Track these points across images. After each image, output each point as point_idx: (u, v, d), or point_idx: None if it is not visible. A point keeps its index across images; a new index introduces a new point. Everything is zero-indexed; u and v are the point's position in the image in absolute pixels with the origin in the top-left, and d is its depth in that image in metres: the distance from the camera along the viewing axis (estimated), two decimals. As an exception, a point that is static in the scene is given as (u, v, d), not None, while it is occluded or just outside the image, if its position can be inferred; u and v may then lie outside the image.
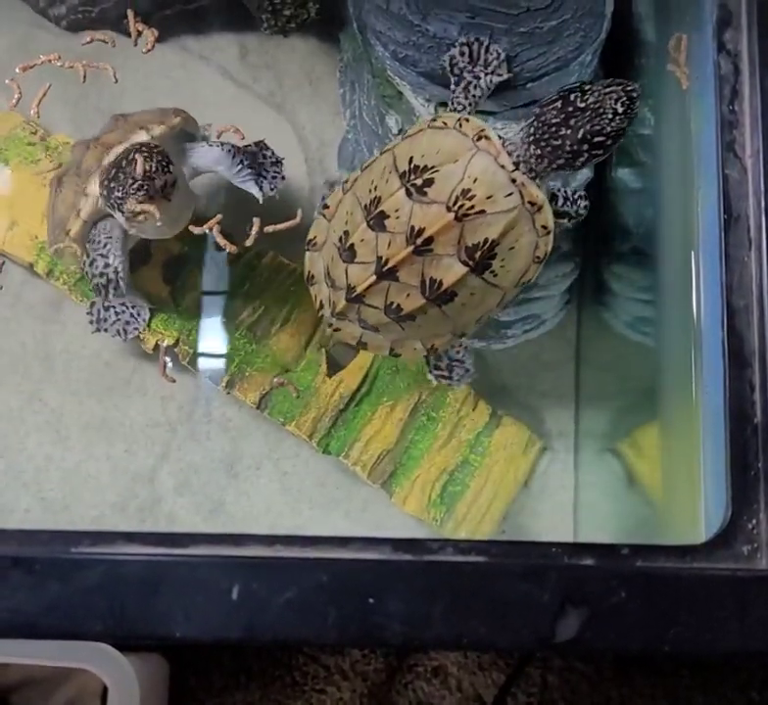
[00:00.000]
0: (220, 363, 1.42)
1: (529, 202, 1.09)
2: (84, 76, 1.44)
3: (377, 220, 1.15)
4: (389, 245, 1.15)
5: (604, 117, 1.06)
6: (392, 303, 1.18)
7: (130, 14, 1.44)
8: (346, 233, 1.19)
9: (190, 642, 0.89)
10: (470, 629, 0.90)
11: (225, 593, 0.91)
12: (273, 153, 1.33)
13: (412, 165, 1.13)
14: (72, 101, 1.52)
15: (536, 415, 1.53)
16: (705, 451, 1.04)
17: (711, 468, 1.02)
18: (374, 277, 1.16)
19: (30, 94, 1.49)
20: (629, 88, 1.06)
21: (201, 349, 1.42)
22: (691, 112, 1.10)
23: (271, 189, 1.32)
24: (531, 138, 1.09)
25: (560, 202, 1.17)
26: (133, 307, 1.38)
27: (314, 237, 1.27)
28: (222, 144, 1.28)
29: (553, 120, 1.08)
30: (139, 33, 1.50)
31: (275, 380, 1.42)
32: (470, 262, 1.12)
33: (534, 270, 1.15)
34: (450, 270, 1.13)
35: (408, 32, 1.25)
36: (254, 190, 1.31)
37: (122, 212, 1.18)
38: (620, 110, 1.05)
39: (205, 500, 1.47)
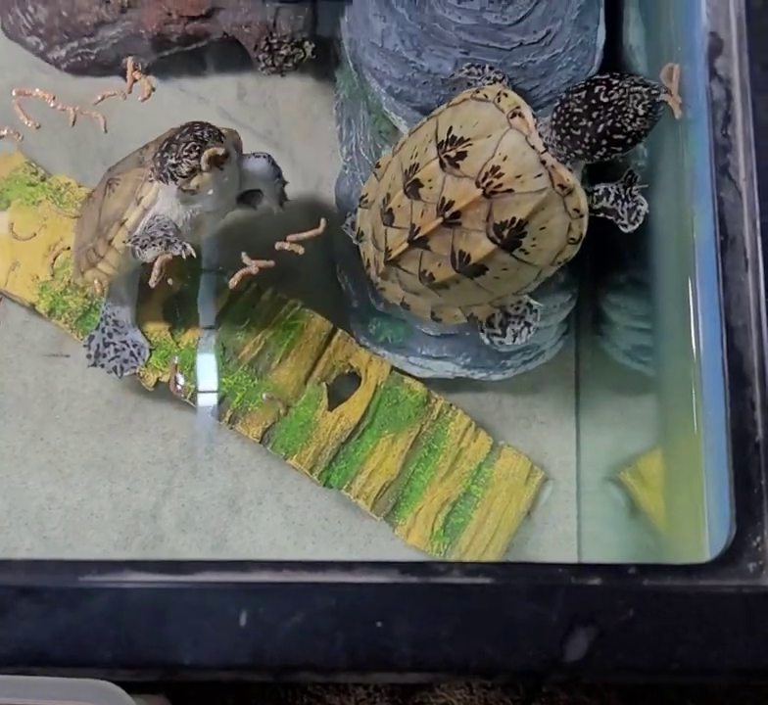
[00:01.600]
0: (222, 399, 1.42)
1: (559, 185, 1.10)
2: (74, 121, 1.45)
3: (413, 188, 1.17)
4: (422, 214, 1.16)
5: (626, 116, 1.06)
6: (425, 270, 1.20)
7: (129, 62, 1.46)
8: (387, 196, 1.22)
9: (199, 669, 0.89)
10: (478, 650, 0.90)
11: (233, 619, 0.90)
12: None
13: (450, 136, 1.14)
14: (73, 142, 1.53)
15: (537, 445, 1.53)
16: (708, 472, 1.04)
17: (714, 488, 1.02)
18: (407, 244, 1.18)
19: (31, 136, 1.51)
20: (654, 92, 1.07)
21: (202, 385, 1.43)
22: (684, 138, 1.12)
23: (282, 206, 1.34)
24: (554, 122, 1.10)
25: (611, 199, 1.17)
26: (134, 346, 1.39)
27: (367, 194, 1.29)
28: (267, 155, 1.30)
29: (576, 110, 1.09)
30: (135, 81, 1.52)
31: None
32: (498, 240, 1.13)
33: (570, 250, 1.16)
34: (478, 245, 1.14)
35: (403, 69, 1.27)
36: (273, 203, 1.33)
37: (176, 180, 1.18)
38: (641, 112, 1.06)
39: (207, 537, 1.46)
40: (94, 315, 1.43)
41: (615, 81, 1.08)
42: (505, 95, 1.13)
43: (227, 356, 1.44)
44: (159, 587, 0.92)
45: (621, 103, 1.06)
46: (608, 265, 1.39)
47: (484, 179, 1.11)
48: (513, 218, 1.11)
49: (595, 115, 1.07)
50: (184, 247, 1.19)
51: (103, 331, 1.40)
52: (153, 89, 1.49)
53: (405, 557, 1.44)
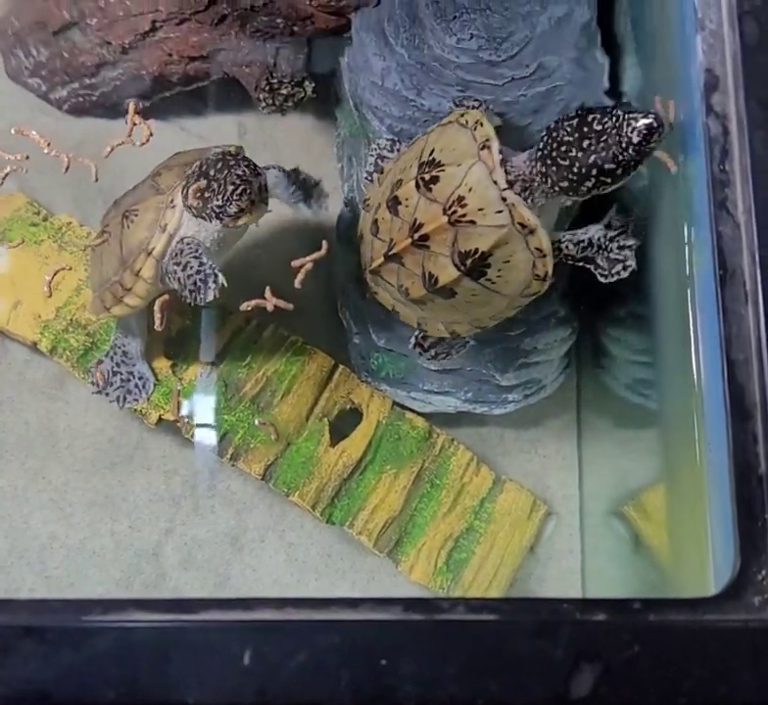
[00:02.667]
0: (224, 436, 1.42)
1: (520, 223, 1.08)
2: (67, 167, 1.47)
3: (393, 204, 1.18)
4: (398, 230, 1.17)
5: (620, 144, 1.02)
6: (402, 285, 1.21)
7: (130, 107, 1.48)
8: (378, 205, 1.23)
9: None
10: (484, 688, 0.89)
11: (237, 658, 0.90)
12: (310, 176, 1.36)
13: (431, 157, 1.14)
14: (74, 182, 1.55)
15: (539, 480, 1.53)
16: (711, 506, 1.04)
17: (718, 522, 1.01)
18: (383, 258, 1.20)
19: (34, 175, 1.53)
20: (649, 118, 1.01)
21: (203, 422, 1.43)
22: (681, 172, 1.12)
23: (320, 206, 1.35)
24: (539, 153, 1.07)
25: (594, 249, 1.15)
26: (140, 378, 1.39)
27: (369, 198, 1.29)
28: (276, 167, 1.31)
29: (566, 138, 1.05)
30: (135, 124, 1.54)
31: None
32: (462, 267, 1.13)
33: (537, 286, 1.14)
34: (445, 270, 1.15)
35: (403, 107, 1.28)
36: (304, 209, 1.33)
37: (222, 219, 1.17)
38: (636, 140, 1.01)
39: (210, 575, 1.46)
40: (95, 353, 1.43)
41: (610, 109, 1.04)
42: (481, 125, 1.12)
43: (229, 393, 1.44)
44: (162, 626, 0.92)
45: (615, 131, 1.02)
46: (608, 299, 1.40)
47: (450, 207, 1.11)
48: (476, 249, 1.11)
49: (586, 144, 1.03)
50: (216, 278, 1.19)
51: (112, 360, 1.40)
52: (151, 134, 1.50)
53: (408, 594, 1.44)
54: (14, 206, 1.51)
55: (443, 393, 1.45)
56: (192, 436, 1.42)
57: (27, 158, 1.46)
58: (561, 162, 1.05)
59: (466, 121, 1.14)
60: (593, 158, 1.03)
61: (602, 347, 1.47)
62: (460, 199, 1.10)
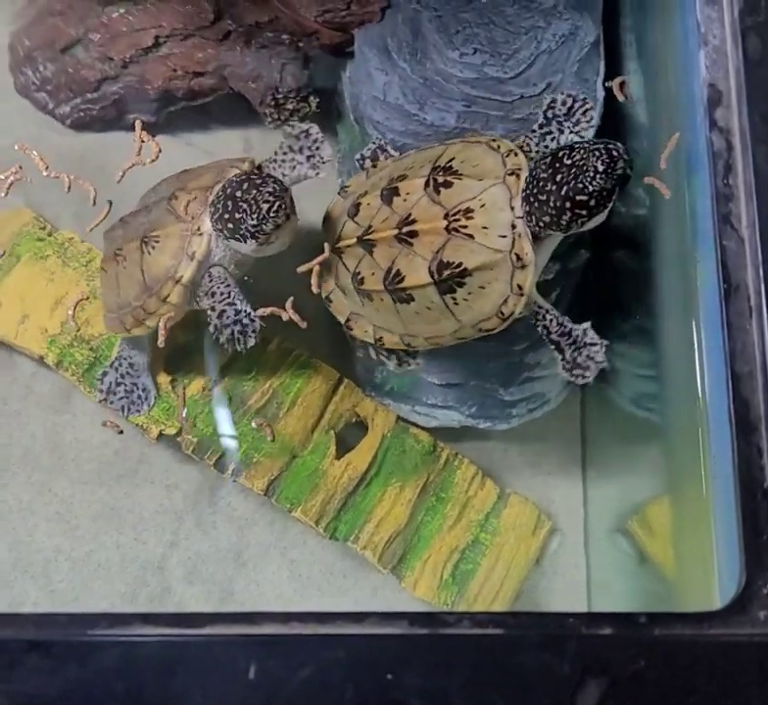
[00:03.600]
0: (226, 451, 1.43)
1: (516, 254, 1.09)
2: (68, 187, 1.47)
3: (389, 194, 1.17)
4: (384, 220, 1.17)
5: (587, 174, 1.05)
6: (359, 273, 1.20)
7: (137, 125, 1.48)
8: (365, 192, 1.22)
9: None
10: (489, 702, 0.89)
11: (242, 673, 0.90)
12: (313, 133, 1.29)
13: (448, 164, 1.15)
14: (79, 198, 1.54)
15: (544, 494, 1.53)
16: (716, 520, 1.04)
17: (723, 536, 1.01)
18: (355, 239, 1.19)
19: (40, 190, 1.53)
20: (611, 147, 1.06)
21: (205, 437, 1.43)
22: (685, 187, 1.13)
23: (316, 168, 1.28)
24: (524, 193, 1.10)
25: (554, 328, 1.15)
26: (143, 390, 1.40)
27: (350, 185, 1.29)
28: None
29: (542, 175, 1.08)
30: (143, 142, 1.54)
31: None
32: (437, 276, 1.13)
33: (496, 323, 1.14)
34: (416, 272, 1.14)
35: (405, 122, 1.29)
36: (312, 173, 1.28)
37: (257, 238, 1.17)
38: (600, 168, 1.04)
39: (214, 589, 1.46)
40: (100, 368, 1.44)
41: (577, 145, 1.08)
42: (515, 154, 1.13)
43: (234, 406, 1.44)
44: (167, 641, 0.92)
45: (582, 162, 1.05)
46: (613, 313, 1.40)
47: (454, 215, 1.11)
48: (460, 263, 1.11)
49: (558, 177, 1.07)
50: (254, 327, 1.21)
51: (116, 371, 1.41)
52: (160, 150, 1.51)
53: (412, 609, 1.43)
54: (22, 220, 1.52)
55: (447, 407, 1.46)
56: (192, 452, 1.42)
57: (21, 168, 1.47)
58: (541, 197, 1.08)
59: (498, 146, 1.15)
60: (565, 189, 1.06)
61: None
62: (468, 211, 1.11)
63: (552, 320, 1.15)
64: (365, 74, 1.33)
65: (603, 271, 1.43)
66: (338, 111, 1.47)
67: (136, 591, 1.44)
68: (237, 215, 1.16)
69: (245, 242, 1.19)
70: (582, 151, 1.06)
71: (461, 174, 1.13)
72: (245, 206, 1.15)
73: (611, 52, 1.33)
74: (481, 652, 0.91)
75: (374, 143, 1.30)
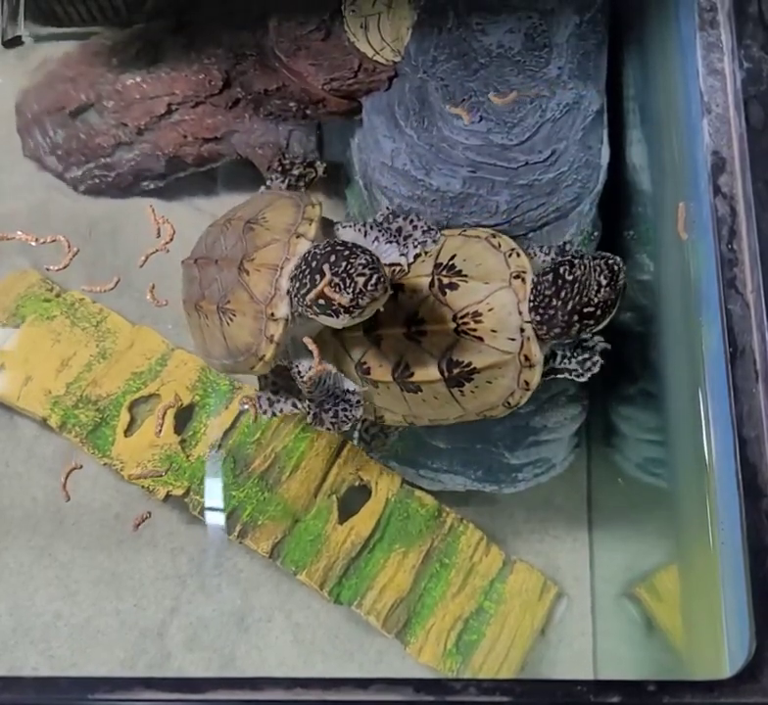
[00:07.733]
0: (232, 513, 1.42)
1: (525, 356, 1.12)
2: (69, 251, 1.51)
3: (394, 289, 1.16)
4: (390, 314, 1.16)
5: (590, 289, 1.09)
6: (365, 362, 1.20)
7: (150, 210, 1.51)
8: None
9: None
10: (495, 774, 0.87)
11: (244, 741, 0.88)
12: (423, 223, 1.19)
13: (450, 263, 1.17)
14: (89, 260, 1.56)
15: (550, 560, 1.51)
16: (725, 586, 1.03)
17: (732, 603, 1.00)
18: (361, 332, 1.19)
19: (49, 252, 1.55)
20: (611, 262, 1.10)
21: (211, 498, 1.42)
22: (690, 252, 1.14)
23: (416, 254, 1.17)
24: (531, 304, 1.12)
25: (558, 359, 1.19)
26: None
27: None
28: (354, 224, 1.20)
29: (547, 292, 1.11)
30: (159, 226, 1.57)
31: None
32: (446, 373, 1.15)
33: (501, 411, 1.18)
34: (426, 369, 1.16)
35: (412, 187, 1.30)
36: (401, 260, 1.17)
37: (352, 312, 1.05)
38: (604, 282, 1.09)
39: (215, 655, 1.44)
40: (105, 429, 1.44)
41: (576, 260, 1.11)
42: (517, 255, 1.16)
43: (238, 469, 1.44)
44: (169, 707, 0.90)
45: (584, 278, 1.09)
46: (619, 377, 1.40)
47: (462, 318, 1.13)
48: (469, 363, 1.14)
49: (563, 294, 1.10)
50: (359, 398, 1.19)
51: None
52: (174, 232, 1.54)
53: (417, 676, 1.41)
54: (27, 282, 1.52)
55: (452, 471, 1.45)
56: (199, 513, 1.42)
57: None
58: (550, 311, 1.11)
59: (499, 244, 1.18)
60: (571, 305, 1.10)
61: (613, 425, 1.47)
62: (476, 314, 1.13)
63: (562, 362, 1.20)
64: (373, 141, 1.35)
65: (609, 335, 1.43)
66: (346, 176, 1.49)
67: (135, 658, 1.42)
68: (327, 292, 1.05)
69: (337, 317, 1.08)
70: (582, 267, 1.10)
71: (466, 276, 1.16)
72: (336, 280, 1.05)
73: (615, 120, 1.35)
74: (486, 722, 0.89)
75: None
